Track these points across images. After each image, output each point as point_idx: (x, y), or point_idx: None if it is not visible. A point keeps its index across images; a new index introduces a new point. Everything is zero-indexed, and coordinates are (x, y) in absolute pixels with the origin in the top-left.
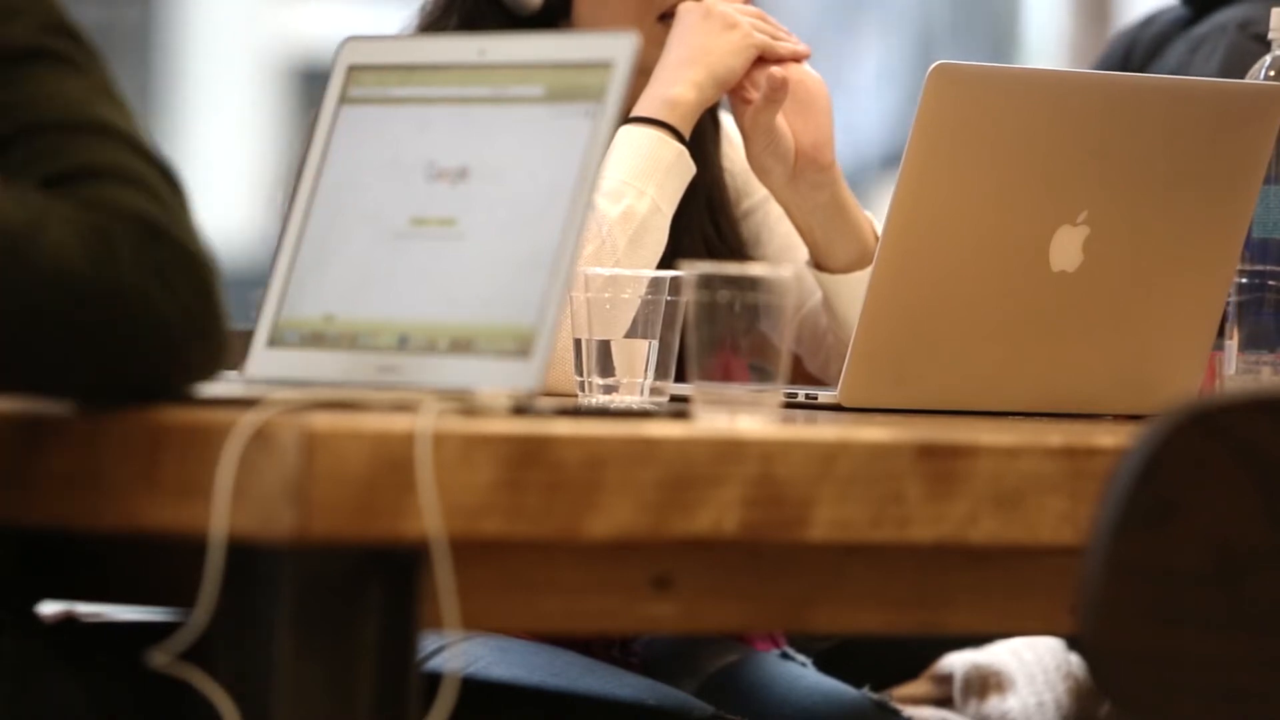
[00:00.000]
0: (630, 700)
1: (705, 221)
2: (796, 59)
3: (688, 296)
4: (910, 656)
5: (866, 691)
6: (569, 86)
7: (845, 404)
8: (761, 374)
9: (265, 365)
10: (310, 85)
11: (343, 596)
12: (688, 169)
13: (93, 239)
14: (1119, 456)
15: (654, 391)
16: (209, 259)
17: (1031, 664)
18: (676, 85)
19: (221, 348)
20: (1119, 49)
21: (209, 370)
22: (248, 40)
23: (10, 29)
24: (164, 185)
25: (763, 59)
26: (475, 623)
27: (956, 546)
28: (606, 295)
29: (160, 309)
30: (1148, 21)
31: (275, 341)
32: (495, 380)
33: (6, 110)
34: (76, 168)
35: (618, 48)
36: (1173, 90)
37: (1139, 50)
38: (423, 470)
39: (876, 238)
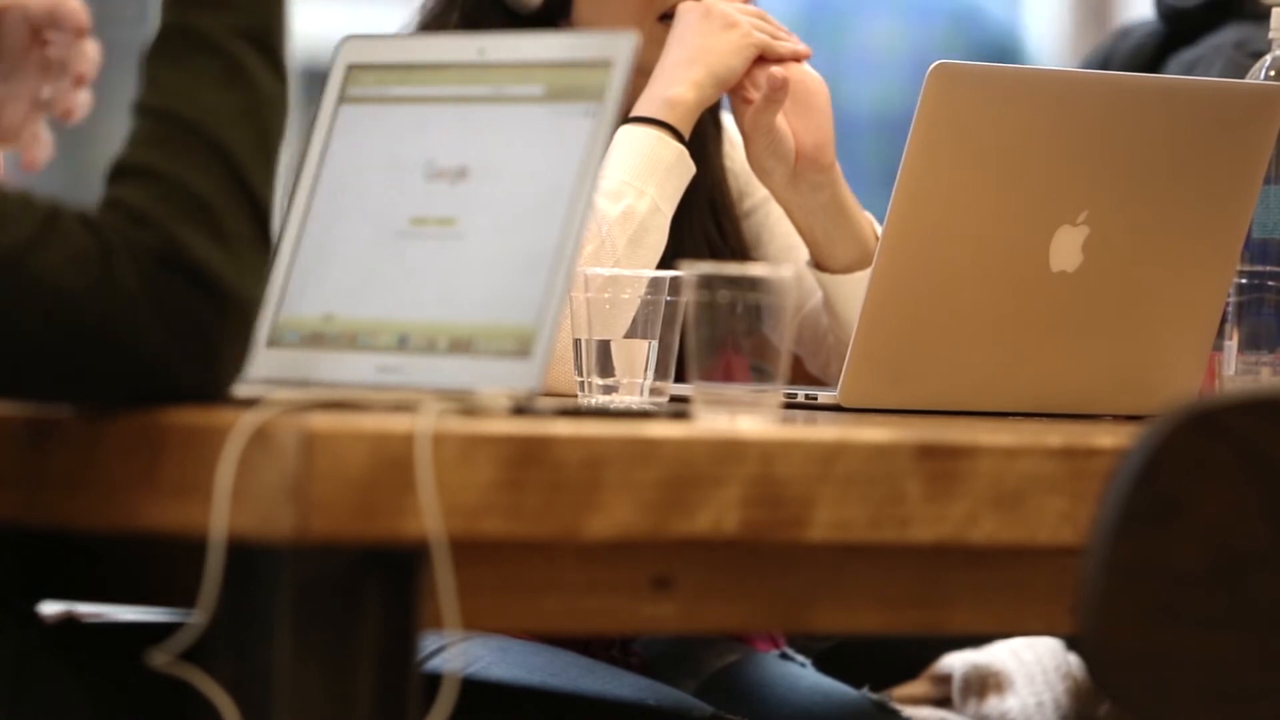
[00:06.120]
0: (630, 700)
1: (708, 222)
2: (796, 59)
3: (688, 297)
4: (910, 656)
5: (866, 691)
6: (569, 86)
7: (845, 404)
8: (761, 374)
9: (265, 365)
10: (310, 84)
11: (343, 596)
12: (688, 169)
13: (93, 261)
14: (1119, 456)
15: (654, 391)
16: (230, 294)
17: (1031, 664)
18: (676, 85)
19: (217, 378)
20: (1095, 61)
21: (203, 395)
22: None
23: (204, 19)
24: (233, 219)
25: (763, 59)
26: (475, 623)
27: (956, 546)
28: (606, 295)
29: (149, 339)
30: (1124, 34)
31: (275, 341)
32: (495, 380)
33: (155, 86)
34: (144, 167)
35: (617, 47)
36: (1173, 90)
37: (1115, 62)
38: (423, 470)
39: (877, 238)
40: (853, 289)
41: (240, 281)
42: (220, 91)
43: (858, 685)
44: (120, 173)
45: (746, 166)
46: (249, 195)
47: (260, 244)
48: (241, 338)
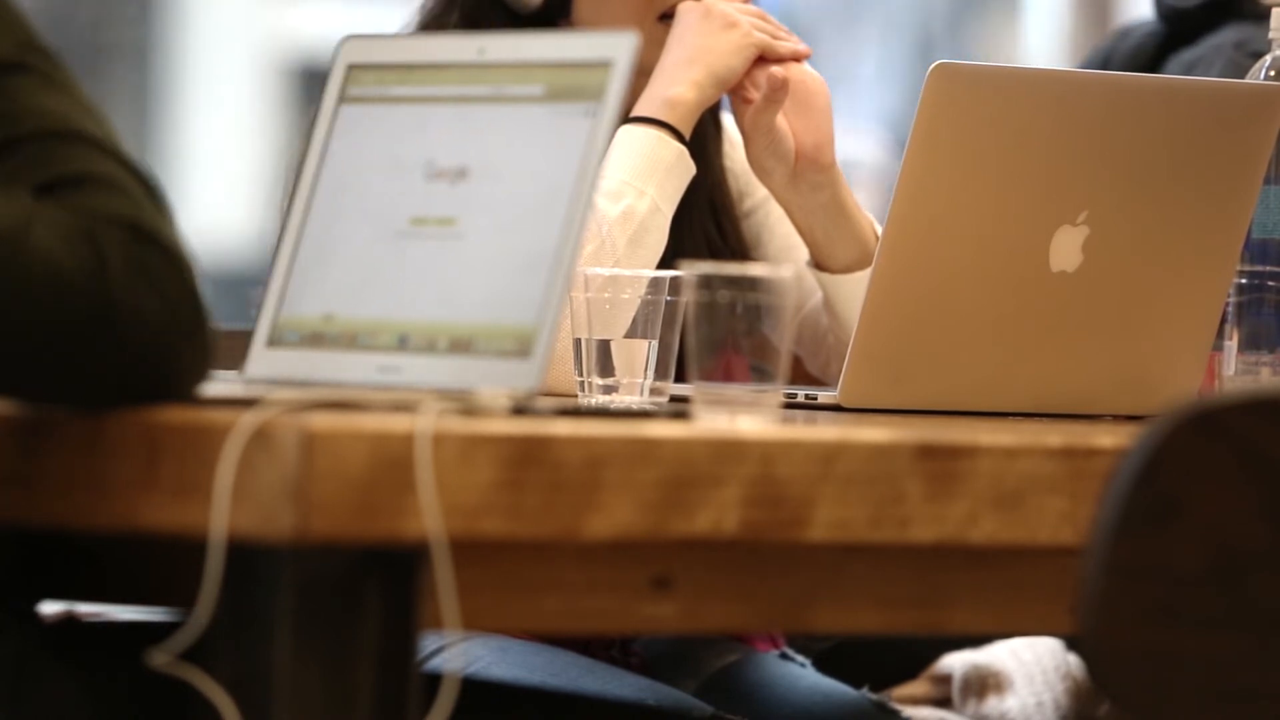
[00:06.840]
0: (630, 700)
1: (708, 222)
2: (797, 58)
3: (688, 297)
4: (910, 656)
5: (866, 691)
6: (569, 86)
7: (845, 404)
8: (761, 374)
9: (265, 365)
10: (309, 84)
11: (343, 596)
12: (688, 169)
13: (81, 242)
14: (1119, 456)
15: (654, 391)
16: (192, 261)
17: (1030, 664)
18: (676, 85)
19: (209, 349)
20: (1095, 61)
21: (198, 372)
22: (247, 39)
23: None
24: (145, 192)
25: (763, 58)
26: (475, 623)
27: (956, 546)
28: (606, 295)
29: (149, 311)
30: (1124, 34)
31: (275, 341)
32: (495, 380)
33: None
34: (63, 176)
35: (618, 47)
36: (1173, 90)
37: (1115, 62)
38: (423, 470)
39: (877, 238)
40: (853, 289)
41: (184, 245)
42: (49, 96)
43: (858, 685)
44: (43, 190)
45: (746, 166)
46: (130, 167)
47: (165, 206)
48: (203, 298)
